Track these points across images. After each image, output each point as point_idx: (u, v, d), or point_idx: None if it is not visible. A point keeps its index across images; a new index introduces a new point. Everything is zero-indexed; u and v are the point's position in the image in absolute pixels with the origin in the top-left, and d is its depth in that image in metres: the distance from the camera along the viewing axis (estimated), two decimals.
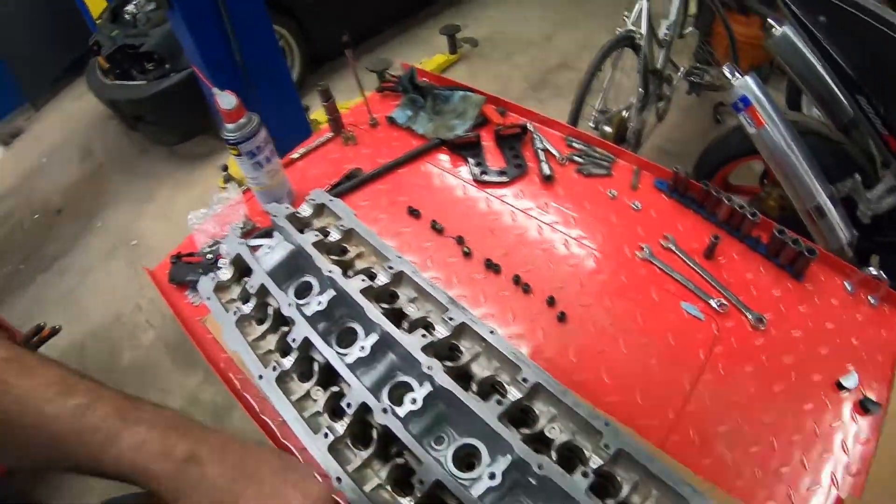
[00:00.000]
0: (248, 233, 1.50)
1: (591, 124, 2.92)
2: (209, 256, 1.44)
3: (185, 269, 1.45)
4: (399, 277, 1.08)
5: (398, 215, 1.46)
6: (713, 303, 1.22)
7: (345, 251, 1.15)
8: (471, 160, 1.55)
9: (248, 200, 1.59)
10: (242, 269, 1.15)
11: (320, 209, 1.21)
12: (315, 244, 1.08)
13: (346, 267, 1.10)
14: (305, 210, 1.20)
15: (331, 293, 1.05)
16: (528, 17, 4.76)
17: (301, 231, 1.14)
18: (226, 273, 1.14)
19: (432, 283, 1.05)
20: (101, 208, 4.17)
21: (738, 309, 1.21)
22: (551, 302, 1.26)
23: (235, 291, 1.13)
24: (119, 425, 0.65)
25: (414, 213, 1.45)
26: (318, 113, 3.61)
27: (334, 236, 1.14)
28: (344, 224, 1.14)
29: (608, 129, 2.91)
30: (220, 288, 1.13)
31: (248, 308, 1.07)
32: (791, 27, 1.92)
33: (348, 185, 1.52)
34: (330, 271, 1.02)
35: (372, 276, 1.08)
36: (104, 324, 3.37)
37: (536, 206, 1.46)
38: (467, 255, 1.36)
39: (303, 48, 4.22)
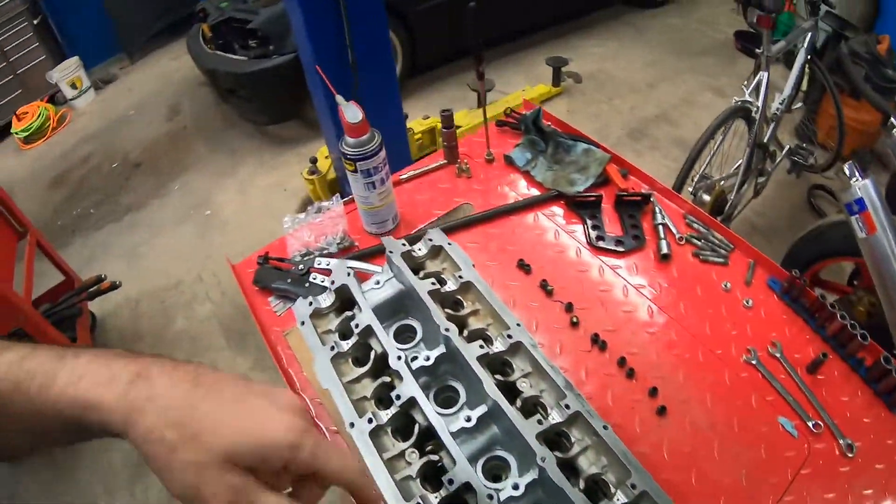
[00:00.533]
0: (345, 249, 1.44)
1: (691, 190, 2.81)
2: (300, 267, 1.38)
3: (273, 274, 1.39)
4: (516, 348, 1.00)
5: (507, 266, 1.38)
6: (810, 423, 1.13)
7: (459, 304, 1.07)
8: (588, 221, 1.46)
9: (348, 213, 1.53)
10: (344, 300, 1.08)
11: (437, 251, 1.14)
12: (430, 293, 1.01)
13: (459, 323, 1.02)
14: (421, 249, 1.12)
15: (440, 350, 0.98)
16: (633, 61, 4.65)
17: (414, 271, 1.07)
18: (326, 300, 1.07)
19: (550, 361, 0.98)
20: (180, 171, 4.22)
21: (831, 431, 1.12)
22: (653, 393, 1.16)
23: (333, 322, 1.06)
24: (57, 365, 0.53)
25: (524, 267, 1.37)
26: (414, 122, 3.59)
27: (450, 286, 1.07)
28: (462, 275, 1.07)
29: (707, 197, 2.80)
30: (318, 314, 1.07)
31: (347, 345, 1.00)
32: None
33: (459, 222, 1.45)
34: (447, 329, 0.95)
35: (486, 339, 1.01)
36: (163, 286, 3.38)
37: (649, 285, 1.36)
38: (575, 324, 1.27)
39: (407, 53, 4.21)
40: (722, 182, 2.90)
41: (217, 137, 4.49)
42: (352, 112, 1.26)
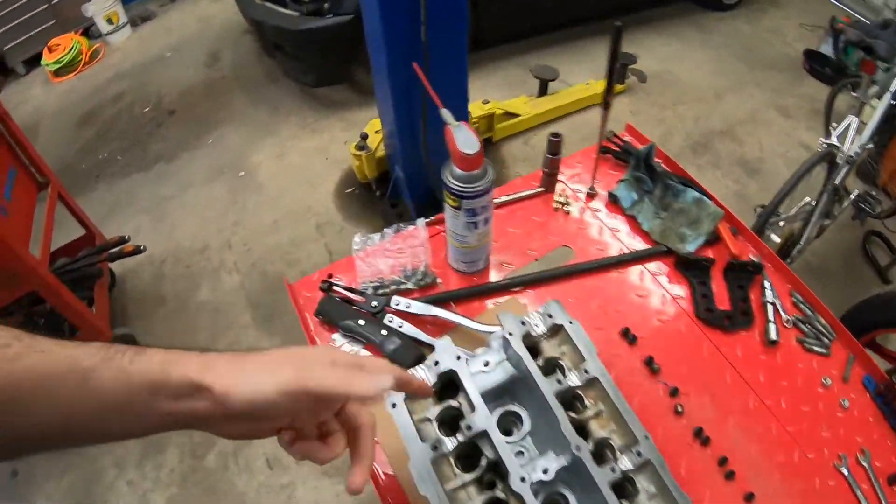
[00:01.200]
0: (425, 287, 1.27)
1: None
2: (374, 304, 1.20)
3: (340, 308, 1.21)
4: (643, 466, 0.85)
5: (610, 332, 1.21)
6: None
7: (578, 400, 0.91)
8: (697, 288, 1.29)
9: (432, 236, 1.36)
10: (446, 381, 0.92)
11: (556, 330, 0.97)
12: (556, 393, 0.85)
13: (579, 425, 0.87)
14: (538, 326, 0.96)
15: (561, 462, 0.82)
16: (700, 66, 4.39)
17: (530, 351, 0.91)
18: (425, 380, 0.91)
19: (678, 485, 0.83)
20: (215, 124, 4.02)
21: None
22: (749, 498, 1.04)
23: (433, 408, 0.89)
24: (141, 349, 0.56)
25: (630, 337, 1.20)
26: (473, 105, 3.39)
27: (572, 380, 0.91)
28: (588, 369, 0.91)
29: (777, 238, 2.63)
30: (414, 396, 0.90)
31: (451, 444, 0.84)
32: None
33: (559, 272, 1.28)
34: (578, 447, 0.80)
35: (610, 447, 0.86)
36: (189, 249, 3.22)
37: (753, 372, 1.20)
38: (679, 413, 1.11)
39: (469, 28, 3.96)
40: (789, 223, 2.74)
41: (257, 92, 4.25)
42: (466, 138, 1.05)
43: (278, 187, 3.51)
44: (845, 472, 1.09)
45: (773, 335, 1.24)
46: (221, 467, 2.41)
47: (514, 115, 3.60)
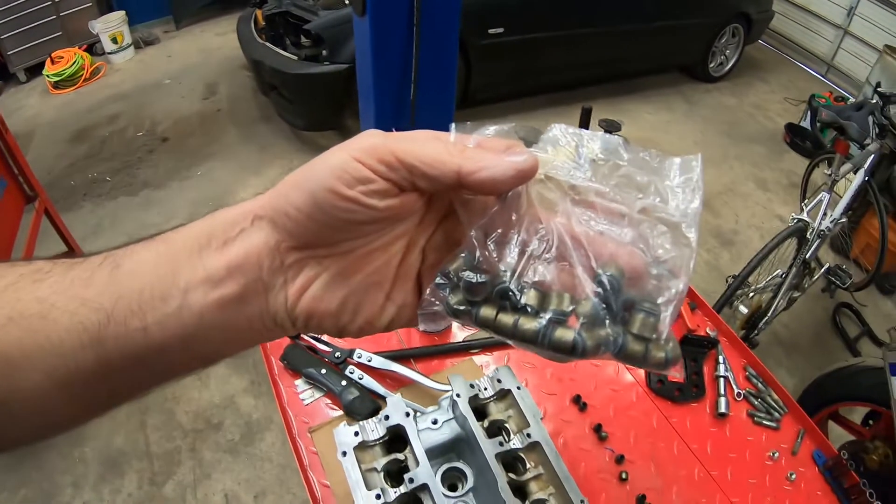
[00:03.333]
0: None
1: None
2: (337, 355, 1.25)
3: (304, 356, 1.26)
4: None
5: (562, 398, 1.27)
6: None
7: (520, 462, 0.96)
8: None
9: None
10: (395, 435, 0.96)
11: (504, 394, 1.02)
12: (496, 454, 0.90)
13: (518, 487, 0.92)
14: (487, 389, 1.01)
15: None
16: (683, 136, 4.54)
17: (475, 410, 0.96)
18: (375, 431, 0.96)
19: None
20: (205, 157, 4.07)
21: None
22: None
23: (380, 458, 0.94)
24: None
25: (580, 404, 1.25)
26: None
27: (515, 443, 0.95)
28: (531, 434, 0.96)
29: (745, 310, 2.70)
30: (363, 446, 0.95)
31: (394, 494, 0.88)
32: None
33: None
34: None
35: None
36: None
37: (700, 444, 1.26)
38: (623, 480, 1.16)
39: (460, 85, 4.09)
40: (758, 294, 2.81)
41: (249, 129, 4.33)
42: None
43: None
44: None
45: (722, 408, 1.31)
46: (179, 498, 2.39)
47: None
